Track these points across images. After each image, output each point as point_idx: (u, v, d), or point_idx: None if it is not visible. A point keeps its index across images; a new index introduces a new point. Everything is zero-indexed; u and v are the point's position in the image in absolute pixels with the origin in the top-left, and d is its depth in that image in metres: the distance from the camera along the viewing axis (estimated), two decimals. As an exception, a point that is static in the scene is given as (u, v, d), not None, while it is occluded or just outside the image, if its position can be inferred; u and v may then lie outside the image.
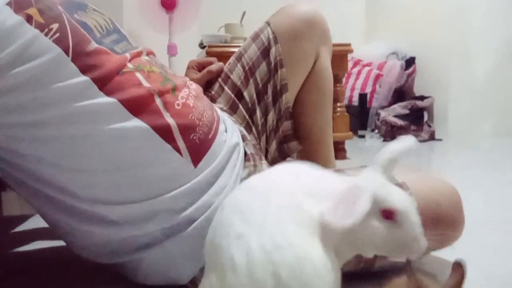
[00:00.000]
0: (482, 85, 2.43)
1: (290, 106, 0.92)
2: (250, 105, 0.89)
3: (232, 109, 0.87)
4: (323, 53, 0.94)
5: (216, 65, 0.94)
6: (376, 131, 2.43)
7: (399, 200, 0.47)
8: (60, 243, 0.76)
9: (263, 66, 0.89)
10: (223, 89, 0.89)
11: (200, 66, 0.94)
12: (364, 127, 2.47)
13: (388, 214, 0.46)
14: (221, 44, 1.74)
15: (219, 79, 0.91)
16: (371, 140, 2.35)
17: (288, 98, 0.91)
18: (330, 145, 1.02)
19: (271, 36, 0.89)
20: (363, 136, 2.40)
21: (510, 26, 2.39)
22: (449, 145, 2.25)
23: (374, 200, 0.45)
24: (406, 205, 0.47)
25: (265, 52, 0.89)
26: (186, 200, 0.67)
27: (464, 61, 2.42)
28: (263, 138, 0.91)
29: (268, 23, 0.91)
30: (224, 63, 0.93)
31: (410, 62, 2.54)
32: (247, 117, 0.88)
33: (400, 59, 2.56)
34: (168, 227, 0.66)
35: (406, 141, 0.53)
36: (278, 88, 0.89)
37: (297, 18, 0.89)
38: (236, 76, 0.89)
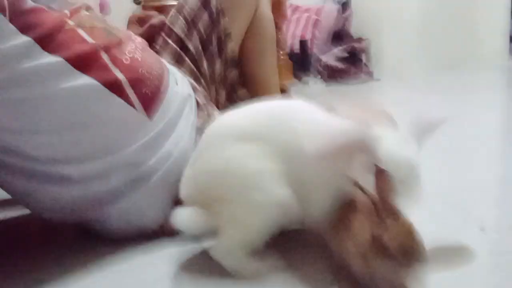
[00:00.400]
0: (413, 25, 2.54)
1: (235, 55, 0.94)
2: (196, 56, 0.90)
3: (179, 62, 0.88)
4: (262, 1, 0.96)
5: (157, 19, 0.93)
6: (319, 76, 2.51)
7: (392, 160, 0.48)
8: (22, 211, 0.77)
9: (205, 17, 0.90)
10: (167, 43, 0.90)
11: (141, 21, 0.93)
12: (307, 73, 2.54)
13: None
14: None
15: (162, 33, 0.91)
16: (315, 85, 2.43)
17: (233, 47, 0.93)
18: (277, 90, 1.06)
19: (209, -14, 0.89)
20: (306, 82, 2.47)
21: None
22: (386, 83, 2.38)
23: (370, 152, 0.48)
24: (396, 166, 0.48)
25: (206, 3, 0.90)
26: (145, 153, 0.69)
27: (395, 2, 2.51)
28: (213, 88, 0.93)
29: (205, -28, 0.91)
30: (165, 16, 0.93)
31: (346, 4, 2.59)
32: (194, 69, 0.89)
33: (337, 3, 2.61)
34: (131, 180, 0.69)
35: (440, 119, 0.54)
36: (222, 37, 0.91)
37: (235, -32, 0.90)
38: (179, 28, 0.89)
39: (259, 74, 1.00)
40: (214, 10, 0.89)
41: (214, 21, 0.90)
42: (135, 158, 0.69)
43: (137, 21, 0.92)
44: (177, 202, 0.71)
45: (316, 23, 2.57)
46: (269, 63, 1.02)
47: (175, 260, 0.65)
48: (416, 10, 2.53)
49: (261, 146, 0.57)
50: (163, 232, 0.73)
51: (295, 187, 0.55)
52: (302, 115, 0.59)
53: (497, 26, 2.60)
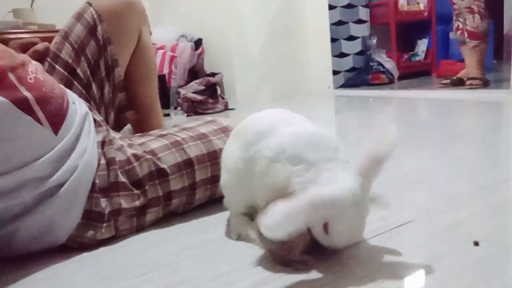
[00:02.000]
0: (257, 60, 2.89)
1: (122, 79, 1.02)
2: (85, 81, 0.95)
3: (67, 86, 0.92)
4: (144, 31, 1.07)
5: (41, 45, 0.96)
6: (179, 108, 2.64)
7: (346, 222, 0.58)
8: None
9: (92, 44, 0.97)
10: (54, 68, 0.94)
11: (24, 47, 0.95)
12: (167, 106, 2.65)
13: (325, 227, 0.58)
14: (13, 31, 1.64)
15: (48, 59, 0.94)
16: (176, 116, 2.55)
17: (119, 72, 1.01)
18: (160, 112, 1.17)
19: (95, 16, 0.97)
20: (168, 115, 2.57)
21: (271, 9, 2.90)
22: (240, 111, 2.64)
23: (326, 214, 0.56)
24: (348, 229, 0.59)
25: (92, 31, 0.97)
26: (52, 166, 0.73)
27: (241, 40, 2.82)
28: (102, 110, 0.99)
29: (89, 4, 0.98)
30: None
31: (198, 43, 2.81)
32: (84, 92, 0.95)
33: (189, 41, 2.81)
34: (39, 193, 0.72)
35: (388, 144, 0.59)
36: (110, 63, 0.99)
37: (119, 1, 0.99)
38: (67, 54, 0.94)
39: (145, 96, 1.09)
40: (100, 38, 0.97)
41: (101, 48, 0.97)
42: (43, 171, 0.72)
43: (19, 47, 0.93)
44: (86, 212, 0.76)
45: (172, 58, 2.72)
46: (153, 87, 1.12)
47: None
48: (259, 49, 2.89)
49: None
50: (76, 243, 0.76)
51: None
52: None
53: (323, 63, 3.13)
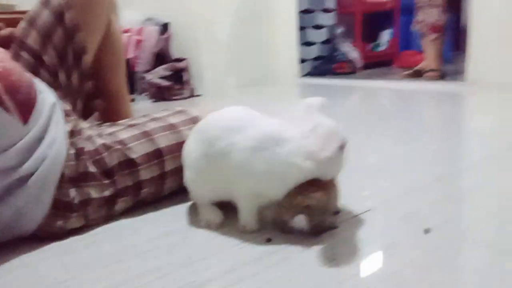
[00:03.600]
0: (225, 46, 2.88)
1: (90, 67, 1.01)
2: (52, 68, 0.94)
3: (34, 73, 0.90)
4: (113, 19, 1.05)
5: (5, 31, 0.94)
6: (145, 93, 2.61)
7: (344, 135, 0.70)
8: None
9: (60, 31, 0.95)
10: (19, 55, 0.92)
11: (-14, 33, 0.92)
12: (132, 91, 2.61)
13: (342, 147, 0.69)
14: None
15: (13, 45, 0.92)
16: (142, 102, 2.53)
17: (87, 60, 1.00)
18: (128, 100, 1.16)
19: (63, 2, 0.95)
20: (133, 100, 2.54)
21: (236, 4, 2.89)
22: (207, 98, 2.64)
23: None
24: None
25: (59, 17, 0.95)
26: (21, 156, 0.73)
27: (210, 25, 2.80)
28: (69, 98, 0.98)
29: (57, -10, 0.96)
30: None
31: (165, 27, 2.77)
32: (51, 80, 0.93)
33: (156, 24, 2.76)
34: (8, 184, 0.72)
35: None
36: (78, 50, 0.97)
37: (88, -13, 0.97)
38: (33, 41, 0.92)
39: (113, 85, 1.09)
40: (68, 25, 0.95)
41: (69, 35, 0.95)
42: (12, 161, 0.72)
43: (-19, 33, 0.91)
44: (56, 202, 0.77)
45: (138, 43, 2.67)
46: (121, 75, 1.12)
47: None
48: (227, 35, 2.88)
49: None
50: (45, 233, 0.77)
51: None
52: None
53: (290, 51, 3.16)
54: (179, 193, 0.93)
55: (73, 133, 0.84)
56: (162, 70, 2.67)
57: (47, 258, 0.72)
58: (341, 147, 0.68)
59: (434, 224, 0.72)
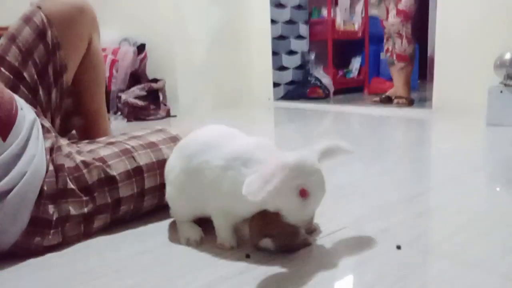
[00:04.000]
0: (201, 68, 2.92)
1: (70, 85, 1.02)
2: (32, 85, 0.94)
3: (13, 90, 0.91)
4: (94, 37, 1.07)
5: (-15, 47, 0.94)
6: (119, 112, 2.60)
7: (316, 183, 0.66)
8: None
9: (41, 48, 0.96)
10: (-1, 70, 0.92)
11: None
12: (108, 110, 2.59)
13: (303, 193, 0.65)
14: None
15: (-7, 61, 0.92)
16: (116, 121, 2.51)
17: (68, 77, 1.01)
18: (106, 118, 1.17)
19: (45, 20, 0.96)
20: (108, 119, 2.52)
21: (216, 19, 2.95)
22: (182, 119, 2.65)
23: (297, 177, 0.64)
24: (319, 188, 0.66)
25: (41, 35, 0.96)
26: (0, 172, 0.73)
27: (185, 47, 2.84)
28: (48, 115, 0.98)
29: (39, 7, 0.97)
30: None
31: (141, 48, 2.79)
32: (30, 96, 0.94)
33: (132, 45, 2.78)
34: (-14, 200, 0.71)
35: (344, 144, 0.72)
36: (58, 68, 0.98)
37: (70, 5, 0.99)
38: (13, 57, 0.93)
39: (93, 103, 1.09)
40: (50, 42, 0.96)
41: (50, 52, 0.96)
42: (-10, 178, 0.71)
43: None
44: (34, 218, 0.76)
45: (113, 62, 2.68)
46: (101, 93, 1.12)
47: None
48: (202, 58, 2.92)
49: None
50: (23, 250, 0.76)
51: None
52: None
53: (264, 75, 3.23)
54: (158, 211, 0.94)
55: (52, 150, 0.84)
56: (137, 90, 2.67)
57: (24, 275, 0.71)
58: (301, 194, 0.65)
59: (404, 241, 0.75)
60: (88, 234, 0.84)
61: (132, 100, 2.61)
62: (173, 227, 0.87)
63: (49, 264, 0.75)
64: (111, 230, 0.87)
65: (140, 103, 2.62)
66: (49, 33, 0.96)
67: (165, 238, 0.83)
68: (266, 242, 0.72)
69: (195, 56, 2.90)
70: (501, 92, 1.84)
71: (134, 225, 0.89)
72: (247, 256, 0.72)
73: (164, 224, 0.90)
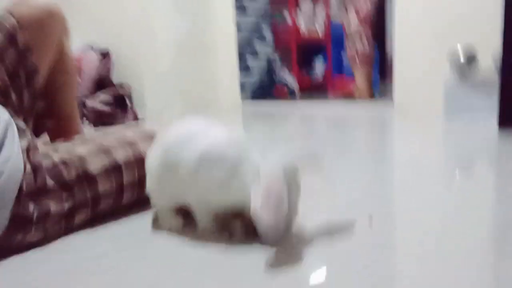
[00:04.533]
0: (167, 73, 2.94)
1: (42, 88, 1.03)
2: (3, 88, 0.95)
3: (-17, 93, 0.91)
4: (65, 40, 1.08)
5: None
6: (85, 119, 2.58)
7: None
8: None
9: (12, 51, 0.96)
10: (-31, 74, 0.92)
11: None
12: (74, 117, 2.56)
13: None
14: None
15: (-37, 65, 0.92)
16: (83, 127, 2.49)
17: (39, 80, 1.01)
18: (79, 120, 1.18)
19: (15, 24, 0.97)
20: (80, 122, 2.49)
21: (181, 23, 2.98)
22: (150, 124, 2.66)
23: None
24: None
25: (11, 39, 0.96)
26: (-23, 172, 0.73)
27: (151, 52, 2.85)
28: (21, 118, 0.99)
29: (9, 12, 0.98)
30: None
31: (105, 54, 2.77)
32: (2, 99, 0.94)
33: (96, 51, 2.76)
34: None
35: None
36: (30, 71, 0.99)
37: (41, 10, 1.00)
38: (-17, 61, 0.93)
39: (65, 104, 1.10)
40: (20, 45, 0.97)
41: (21, 56, 0.97)
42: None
43: None
44: (14, 216, 0.78)
45: (77, 70, 2.65)
46: (73, 95, 1.14)
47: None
48: (168, 62, 2.94)
49: None
50: (4, 247, 0.77)
51: None
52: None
53: (231, 77, 3.27)
54: (136, 206, 0.96)
55: (29, 150, 0.85)
56: (103, 96, 2.66)
57: (6, 273, 0.72)
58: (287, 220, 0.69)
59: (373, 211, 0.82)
60: (69, 230, 0.85)
61: (98, 106, 2.60)
62: (154, 218, 0.89)
63: (31, 261, 0.76)
64: (92, 226, 0.88)
65: (106, 109, 2.61)
66: (19, 36, 0.97)
67: (147, 228, 0.86)
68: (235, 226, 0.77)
69: (161, 61, 2.91)
70: (456, 86, 1.97)
71: (115, 218, 0.91)
72: (230, 237, 0.77)
73: (145, 216, 0.92)
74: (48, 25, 1.02)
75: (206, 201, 0.77)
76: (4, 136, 0.81)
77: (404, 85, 2.52)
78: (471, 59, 1.99)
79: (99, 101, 2.61)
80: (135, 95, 2.83)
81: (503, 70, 1.45)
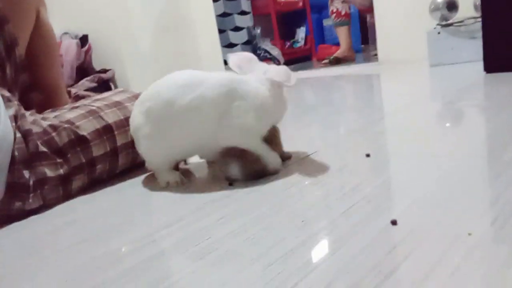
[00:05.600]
0: (148, 54, 2.89)
1: (23, 59, 1.00)
2: (-16, 61, 0.92)
3: (-35, 67, 0.88)
4: (42, 10, 1.05)
5: None
6: (71, 107, 2.54)
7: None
8: None
9: (-13, 23, 0.93)
10: None
11: None
12: (58, 106, 2.52)
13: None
14: None
15: None
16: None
17: (20, 51, 0.98)
18: (65, 92, 1.15)
19: (-13, -5, 0.94)
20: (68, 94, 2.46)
21: (157, 3, 2.92)
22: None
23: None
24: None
25: (-15, 10, 0.93)
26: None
27: (130, 35, 2.80)
28: (6, 90, 0.96)
29: (-20, -17, 0.95)
30: None
31: (84, 40, 2.72)
32: (-17, 72, 0.92)
33: (74, 38, 2.70)
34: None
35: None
36: (9, 42, 0.96)
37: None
38: (-40, 35, 0.90)
39: (49, 78, 1.08)
40: (-3, 17, 0.94)
41: (-2, 27, 0.94)
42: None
43: None
44: (10, 185, 0.76)
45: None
46: (56, 66, 1.11)
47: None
48: (149, 44, 2.89)
49: None
50: (4, 216, 0.76)
51: None
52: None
53: (213, 54, 3.23)
54: (134, 169, 0.96)
55: (17, 117, 0.83)
56: (87, 82, 2.61)
57: (8, 235, 0.71)
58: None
59: (372, 150, 0.81)
60: (67, 195, 0.84)
61: (82, 93, 2.54)
62: (150, 179, 0.89)
63: (31, 226, 0.75)
64: (90, 190, 0.87)
65: (92, 95, 2.56)
66: (-6, 7, 0.94)
67: (144, 188, 0.85)
68: (233, 170, 0.76)
69: (141, 43, 2.86)
70: (439, 33, 1.96)
71: (112, 183, 0.90)
72: (230, 184, 0.76)
73: (142, 178, 0.91)
74: (21, -5, 0.99)
75: (252, 129, 0.76)
76: (-10, 105, 0.79)
77: (387, 40, 2.51)
78: (451, 5, 1.99)
79: (83, 88, 2.57)
80: (118, 79, 2.79)
81: (484, 15, 1.44)
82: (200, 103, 0.74)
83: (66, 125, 0.86)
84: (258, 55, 3.44)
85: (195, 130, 0.76)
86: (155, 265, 0.51)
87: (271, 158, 0.77)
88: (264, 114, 0.77)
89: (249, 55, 0.83)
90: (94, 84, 2.62)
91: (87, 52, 2.77)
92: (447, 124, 0.97)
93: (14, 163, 0.78)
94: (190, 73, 0.78)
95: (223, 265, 0.48)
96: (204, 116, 0.75)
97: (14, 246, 0.66)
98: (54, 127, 0.85)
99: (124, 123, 0.91)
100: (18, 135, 0.81)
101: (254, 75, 0.80)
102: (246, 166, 0.75)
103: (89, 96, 2.54)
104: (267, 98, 0.77)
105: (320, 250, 0.48)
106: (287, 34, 3.94)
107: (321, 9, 3.97)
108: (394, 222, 0.51)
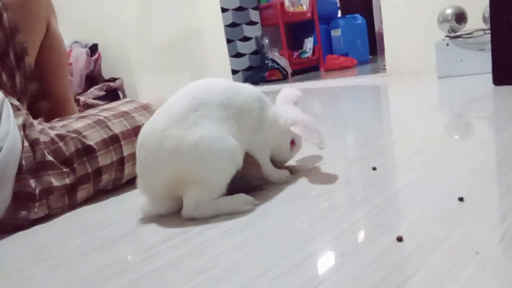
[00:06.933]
0: (157, 63, 2.91)
1: (32, 68, 1.01)
2: (-7, 70, 0.93)
3: (-26, 75, 0.90)
4: (52, 20, 1.06)
5: None
6: (80, 115, 2.56)
7: (299, 137, 0.84)
8: None
9: (-1, 33, 0.95)
10: (-42, 57, 0.90)
11: None
12: (67, 114, 2.54)
13: (292, 143, 0.83)
14: None
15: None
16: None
17: (30, 61, 1.00)
18: (73, 101, 1.16)
19: (0, 5, 0.95)
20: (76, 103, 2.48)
21: (166, 14, 2.95)
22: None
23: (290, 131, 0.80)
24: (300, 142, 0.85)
25: (-3, 20, 0.95)
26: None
27: (139, 44, 2.83)
28: (15, 98, 0.97)
29: (-7, -6, 0.96)
30: None
31: (93, 49, 2.75)
32: (-7, 81, 0.93)
33: (84, 47, 2.73)
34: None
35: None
36: (19, 51, 0.97)
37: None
38: (-29, 44, 0.91)
39: (57, 87, 1.09)
40: (7, 26, 0.95)
41: (8, 36, 0.95)
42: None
43: None
44: (17, 194, 0.76)
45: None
46: (66, 76, 1.12)
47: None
48: (158, 53, 2.92)
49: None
50: (9, 225, 0.76)
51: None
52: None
53: (221, 63, 3.25)
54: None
55: (25, 126, 0.84)
56: (96, 90, 2.63)
57: (12, 246, 0.71)
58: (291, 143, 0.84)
59: (379, 162, 0.81)
60: (73, 205, 0.84)
61: (91, 101, 2.57)
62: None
63: (37, 234, 0.75)
64: (95, 200, 0.87)
65: (100, 103, 2.58)
66: (5, 16, 0.95)
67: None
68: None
69: (150, 52, 2.89)
70: (447, 45, 1.95)
71: (117, 193, 0.90)
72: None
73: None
74: (32, 4, 1.01)
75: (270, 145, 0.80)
76: (0, 114, 0.80)
77: (395, 51, 2.51)
78: (460, 17, 1.98)
79: (92, 97, 2.59)
80: (127, 88, 2.81)
81: (493, 27, 1.44)
82: (249, 109, 0.73)
83: (73, 135, 0.86)
84: (266, 65, 3.45)
85: (242, 135, 0.72)
86: (157, 278, 0.51)
87: (274, 172, 0.80)
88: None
89: (299, 94, 0.90)
90: (103, 93, 2.64)
91: (97, 61, 2.79)
92: (455, 137, 0.97)
93: (21, 172, 0.78)
94: (219, 81, 0.75)
95: (226, 280, 0.48)
96: (249, 120, 0.74)
97: (19, 255, 0.66)
98: (61, 137, 0.85)
99: (131, 133, 0.92)
100: (26, 144, 0.81)
101: (287, 108, 0.84)
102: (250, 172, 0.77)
103: (97, 104, 2.57)
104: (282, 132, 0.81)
105: (325, 265, 0.48)
106: (295, 44, 3.95)
107: (329, 20, 3.98)
108: (400, 239, 0.50)
